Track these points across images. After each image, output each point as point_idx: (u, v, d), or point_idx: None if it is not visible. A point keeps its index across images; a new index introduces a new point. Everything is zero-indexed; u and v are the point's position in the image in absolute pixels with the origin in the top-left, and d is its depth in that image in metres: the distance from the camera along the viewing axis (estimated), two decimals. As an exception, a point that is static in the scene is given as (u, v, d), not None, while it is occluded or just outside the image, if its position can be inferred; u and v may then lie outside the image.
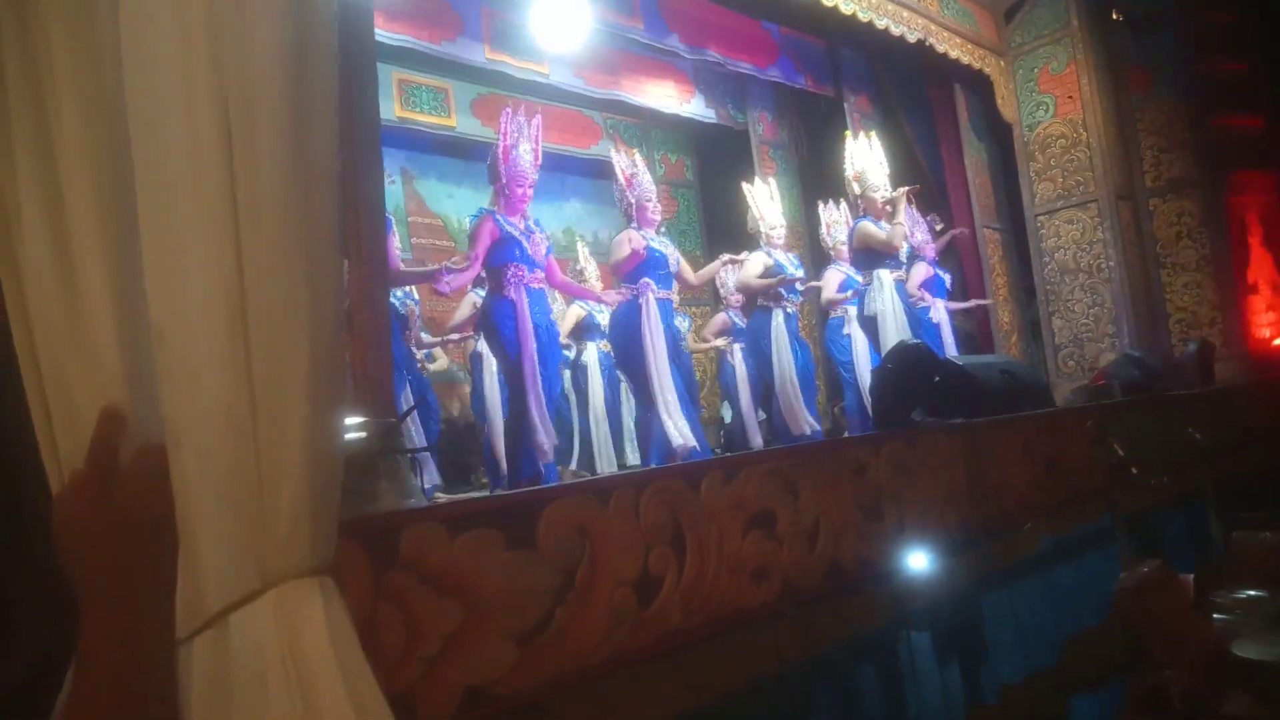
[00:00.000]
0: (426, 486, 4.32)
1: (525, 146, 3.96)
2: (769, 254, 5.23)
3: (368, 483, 1.40)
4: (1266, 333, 6.13)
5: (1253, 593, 2.90)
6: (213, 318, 0.64)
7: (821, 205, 6.00)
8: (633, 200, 4.48)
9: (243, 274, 0.64)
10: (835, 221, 5.82)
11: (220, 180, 0.64)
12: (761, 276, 5.12)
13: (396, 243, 4.50)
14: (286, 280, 0.65)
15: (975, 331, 6.94)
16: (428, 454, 4.71)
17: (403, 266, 4.24)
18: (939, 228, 6.37)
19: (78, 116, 0.70)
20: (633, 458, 5.93)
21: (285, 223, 0.65)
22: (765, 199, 5.36)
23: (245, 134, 0.64)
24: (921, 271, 5.66)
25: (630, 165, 4.59)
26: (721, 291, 6.28)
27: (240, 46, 0.66)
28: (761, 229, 5.28)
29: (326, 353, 0.67)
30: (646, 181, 4.56)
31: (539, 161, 4.04)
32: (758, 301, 5.28)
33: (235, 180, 0.64)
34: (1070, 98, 6.51)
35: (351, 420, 1.45)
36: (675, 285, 4.66)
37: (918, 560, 2.33)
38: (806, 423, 5.06)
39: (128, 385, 0.66)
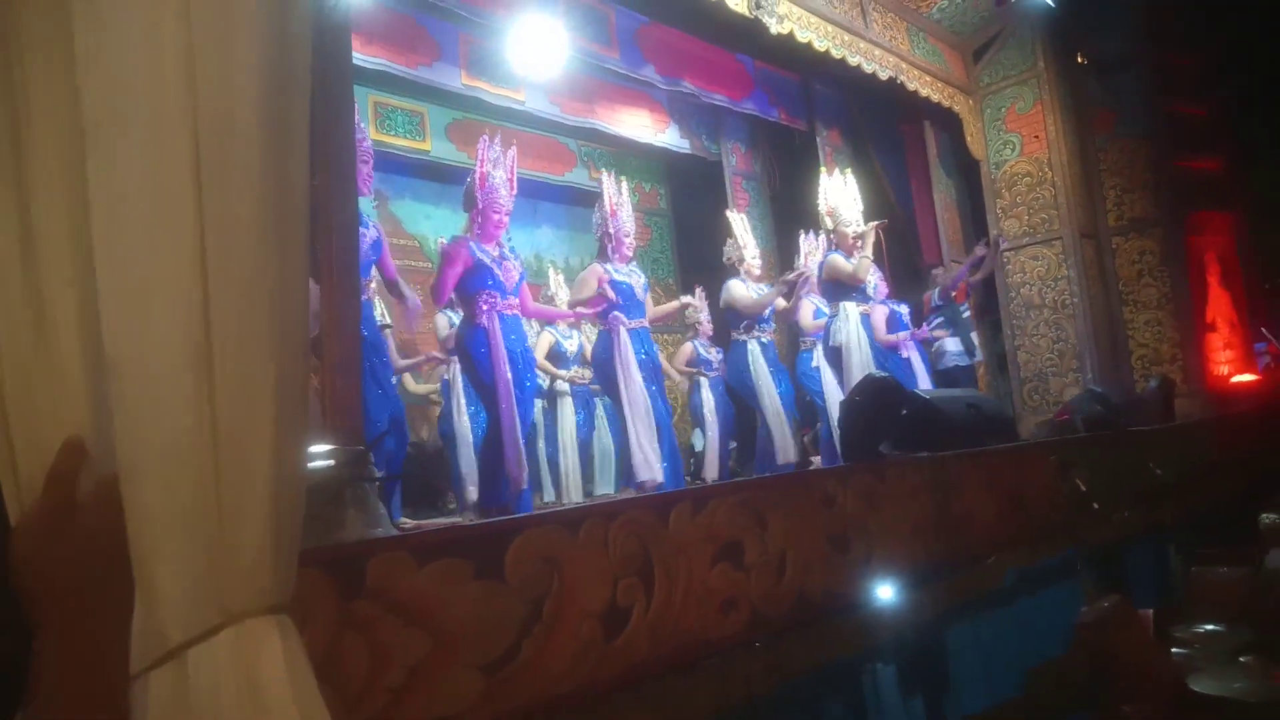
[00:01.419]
0: (395, 509, 4.28)
1: (501, 175, 3.98)
2: (745, 284, 5.28)
3: (335, 511, 1.39)
4: (1225, 369, 6.29)
5: (1211, 627, 2.96)
6: (174, 351, 0.63)
7: (802, 235, 6.07)
8: (611, 232, 4.50)
9: (208, 305, 0.63)
10: (813, 252, 5.89)
11: (188, 210, 0.63)
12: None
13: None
14: (254, 312, 0.64)
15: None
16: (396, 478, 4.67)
17: (408, 293, 4.21)
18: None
19: (52, 143, 0.69)
20: (602, 487, 5.91)
21: (256, 254, 0.64)
22: (744, 230, 5.43)
23: (217, 162, 0.63)
24: (881, 313, 5.62)
25: (617, 195, 4.60)
26: (689, 321, 6.32)
27: (216, 70, 0.65)
28: (746, 257, 5.33)
29: (292, 385, 0.67)
30: (628, 215, 4.57)
31: (514, 192, 4.05)
32: (732, 334, 5.31)
33: (204, 210, 0.63)
34: (1036, 137, 6.68)
35: (320, 448, 1.44)
36: (648, 313, 4.68)
37: (885, 591, 2.34)
38: (787, 450, 5.08)
39: (94, 415, 0.65)
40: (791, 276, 5.28)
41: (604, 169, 7.74)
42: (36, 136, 0.69)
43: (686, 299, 5.26)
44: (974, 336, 6.22)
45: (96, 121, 0.64)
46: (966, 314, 6.34)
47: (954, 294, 6.21)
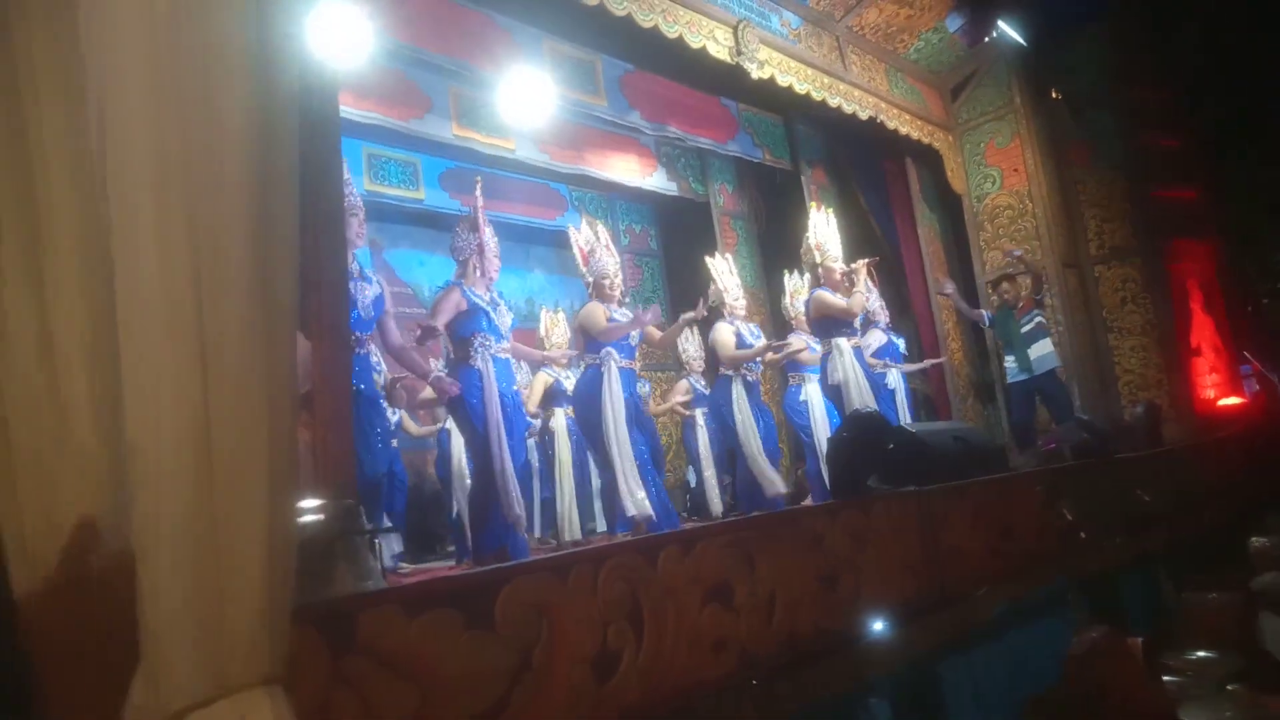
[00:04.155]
0: (393, 554, 4.27)
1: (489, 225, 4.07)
2: (733, 323, 5.35)
3: (325, 566, 1.41)
4: (1211, 393, 6.34)
5: (1202, 654, 2.97)
6: (180, 432, 0.67)
7: (787, 274, 6.15)
8: (590, 279, 4.55)
9: (207, 391, 0.67)
10: (798, 291, 5.97)
11: (189, 302, 0.68)
12: (737, 346, 5.23)
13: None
14: (247, 399, 0.69)
15: (932, 394, 7.08)
16: (393, 522, 4.68)
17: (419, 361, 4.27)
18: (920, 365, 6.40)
19: (67, 235, 0.74)
20: (600, 525, 5.93)
21: (248, 347, 0.69)
22: (725, 272, 5.50)
23: (212, 265, 0.69)
24: (876, 339, 5.80)
25: (590, 241, 4.63)
26: (684, 358, 6.37)
27: (208, 175, 0.70)
28: (726, 300, 5.41)
29: (282, 464, 0.71)
30: (605, 259, 4.54)
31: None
32: (719, 370, 5.37)
33: (203, 303, 0.68)
34: (1015, 170, 6.81)
35: (311, 502, 1.48)
36: (638, 354, 4.72)
37: (875, 628, 2.36)
38: (776, 483, 5.11)
39: (111, 494, 0.70)
40: (782, 346, 5.38)
41: (593, 214, 7.88)
42: (56, 228, 0.74)
43: (689, 315, 5.09)
44: (1033, 351, 5.93)
45: (117, 227, 0.69)
46: (1026, 327, 6.04)
47: (1019, 306, 6.12)
